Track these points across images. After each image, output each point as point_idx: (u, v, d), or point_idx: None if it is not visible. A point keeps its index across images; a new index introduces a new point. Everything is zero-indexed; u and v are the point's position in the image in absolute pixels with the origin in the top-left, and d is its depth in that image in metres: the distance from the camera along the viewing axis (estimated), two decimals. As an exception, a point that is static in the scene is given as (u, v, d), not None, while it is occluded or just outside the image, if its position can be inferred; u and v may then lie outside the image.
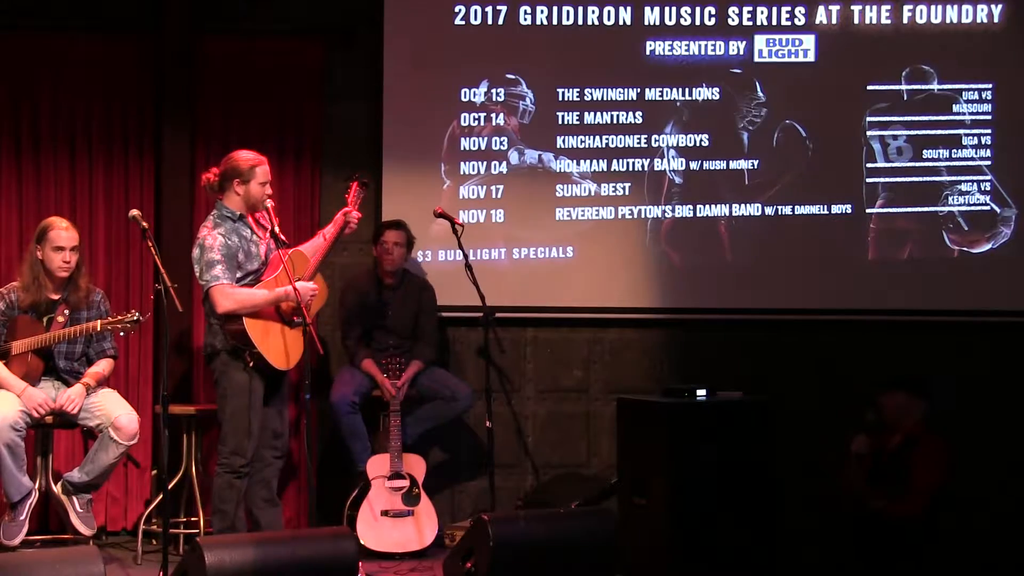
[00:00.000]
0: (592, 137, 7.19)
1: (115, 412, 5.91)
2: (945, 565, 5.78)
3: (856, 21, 7.24)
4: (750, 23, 7.22)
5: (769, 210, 7.23)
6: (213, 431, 6.44)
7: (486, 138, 7.16)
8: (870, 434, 5.97)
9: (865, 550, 5.84)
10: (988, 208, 7.28)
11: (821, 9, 7.22)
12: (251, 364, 5.68)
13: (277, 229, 5.72)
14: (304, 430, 5.81)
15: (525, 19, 7.15)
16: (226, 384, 5.77)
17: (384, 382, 6.45)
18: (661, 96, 7.21)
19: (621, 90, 7.19)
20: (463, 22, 7.13)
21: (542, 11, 7.15)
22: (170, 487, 5.91)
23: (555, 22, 7.15)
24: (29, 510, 5.86)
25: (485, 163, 7.16)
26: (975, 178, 7.28)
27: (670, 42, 7.21)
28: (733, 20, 7.21)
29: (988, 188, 7.27)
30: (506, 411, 7.16)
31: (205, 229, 5.76)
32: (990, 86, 7.25)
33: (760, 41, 7.23)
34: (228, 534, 5.71)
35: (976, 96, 7.26)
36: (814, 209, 7.24)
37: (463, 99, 7.13)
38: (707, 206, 7.23)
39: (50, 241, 6.01)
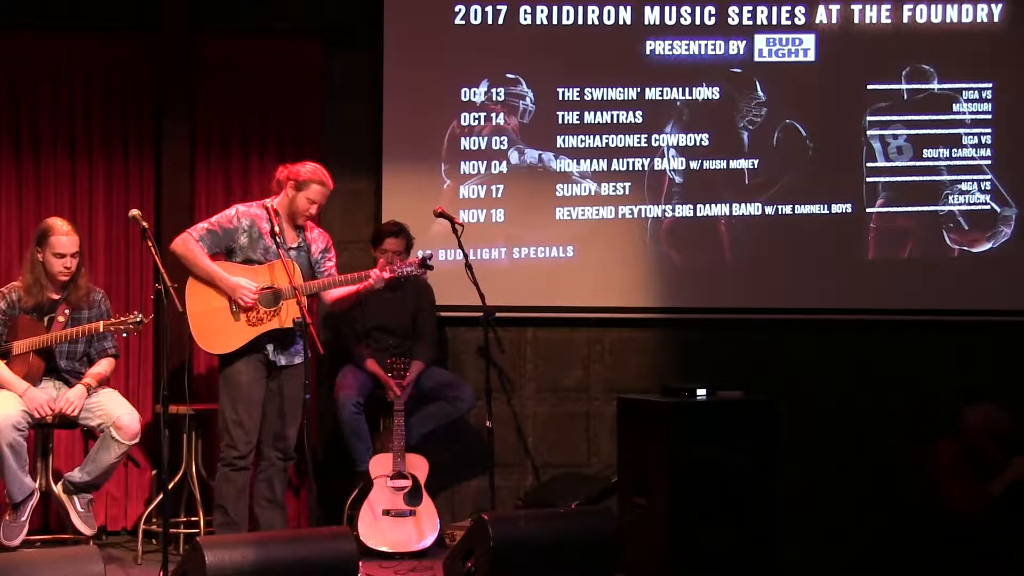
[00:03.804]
0: (592, 137, 7.20)
1: (116, 412, 5.91)
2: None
3: (856, 20, 7.24)
4: (750, 23, 7.22)
5: (769, 210, 7.23)
6: (213, 431, 6.44)
7: (486, 138, 7.16)
8: (962, 447, 5.94)
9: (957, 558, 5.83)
10: (988, 207, 7.29)
11: (821, 8, 7.23)
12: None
13: (278, 229, 5.82)
14: (304, 430, 5.81)
15: (525, 19, 7.15)
16: (223, 378, 5.96)
17: (389, 382, 6.45)
18: (661, 96, 7.21)
19: (621, 90, 7.19)
20: (463, 22, 7.13)
21: (542, 11, 7.15)
22: (170, 487, 5.91)
23: (555, 22, 7.16)
24: (30, 510, 5.86)
25: (485, 163, 7.16)
26: (975, 177, 7.28)
27: (670, 42, 7.21)
28: (733, 20, 7.22)
29: (988, 187, 7.28)
30: (506, 411, 7.16)
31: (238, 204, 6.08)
32: (990, 86, 7.26)
33: (760, 41, 7.23)
34: (228, 533, 5.73)
35: (976, 96, 7.27)
36: (814, 209, 7.24)
37: (463, 99, 7.14)
38: (707, 206, 7.23)
39: (51, 247, 6.00)
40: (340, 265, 6.88)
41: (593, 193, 7.20)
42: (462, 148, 7.15)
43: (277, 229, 5.83)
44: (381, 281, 5.97)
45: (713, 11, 7.20)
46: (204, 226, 5.96)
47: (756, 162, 7.23)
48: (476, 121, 7.16)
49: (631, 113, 7.21)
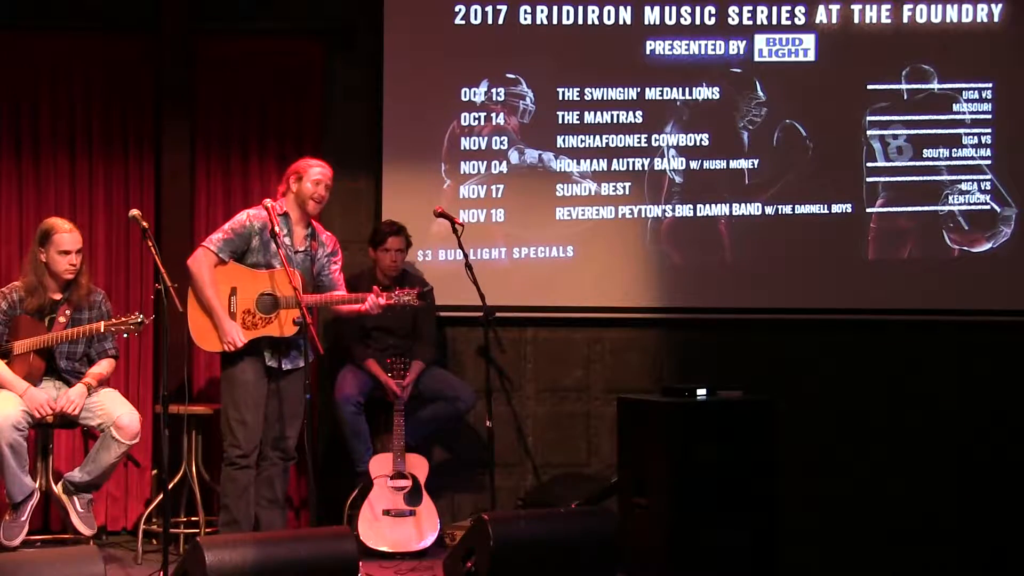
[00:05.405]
0: (592, 137, 7.20)
1: (116, 412, 5.91)
2: None
3: (856, 20, 7.24)
4: (750, 22, 7.22)
5: (769, 210, 7.23)
6: (214, 431, 6.45)
7: (486, 138, 7.16)
8: None
9: None
10: (988, 207, 7.28)
11: (821, 8, 7.22)
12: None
13: (278, 229, 5.82)
14: (305, 430, 5.82)
15: (525, 19, 7.15)
16: (225, 377, 5.97)
17: (389, 382, 6.45)
18: (661, 96, 7.21)
19: (621, 90, 7.19)
20: (463, 22, 7.13)
21: (542, 11, 7.15)
22: (170, 487, 5.91)
23: (555, 22, 7.15)
24: (30, 510, 5.86)
25: (485, 163, 7.16)
26: (975, 177, 7.28)
27: (670, 42, 7.21)
28: (733, 19, 7.21)
29: (988, 187, 7.27)
30: (506, 411, 7.16)
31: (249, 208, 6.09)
32: (990, 86, 7.25)
33: (760, 40, 7.23)
34: (229, 533, 5.73)
35: (976, 96, 7.26)
36: (814, 209, 7.24)
37: (463, 99, 7.14)
38: (707, 205, 7.23)
39: (55, 245, 6.00)
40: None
41: (593, 193, 7.20)
42: (462, 148, 7.15)
43: (279, 230, 5.84)
44: (377, 307, 5.99)
45: (713, 11, 7.20)
46: (220, 236, 5.95)
47: (756, 162, 7.23)
48: (476, 121, 7.16)
49: (631, 113, 7.21)
